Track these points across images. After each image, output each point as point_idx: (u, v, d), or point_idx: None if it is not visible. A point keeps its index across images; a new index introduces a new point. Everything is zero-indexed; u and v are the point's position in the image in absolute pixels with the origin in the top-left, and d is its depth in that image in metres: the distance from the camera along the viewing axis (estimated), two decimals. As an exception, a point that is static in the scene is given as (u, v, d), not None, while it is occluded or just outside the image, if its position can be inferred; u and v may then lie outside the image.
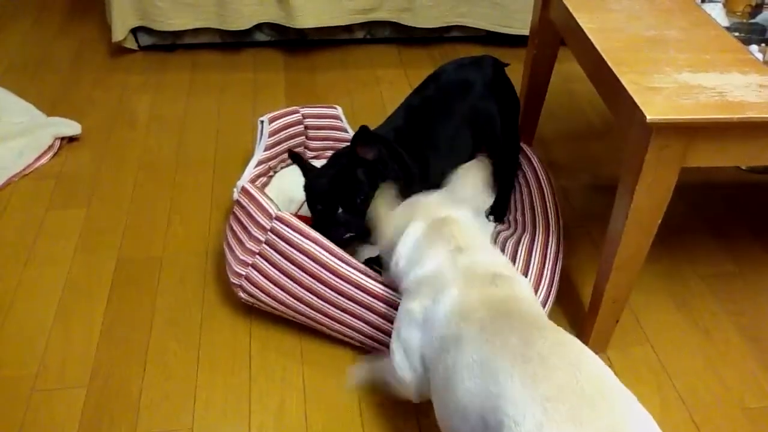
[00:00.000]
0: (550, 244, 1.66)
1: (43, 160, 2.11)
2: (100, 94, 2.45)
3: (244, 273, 1.54)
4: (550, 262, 1.62)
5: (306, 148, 2.04)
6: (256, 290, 1.53)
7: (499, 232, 1.79)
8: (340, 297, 1.47)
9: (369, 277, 1.48)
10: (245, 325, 1.61)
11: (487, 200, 1.63)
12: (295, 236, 1.48)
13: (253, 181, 1.83)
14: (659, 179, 1.25)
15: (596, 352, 1.49)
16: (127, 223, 1.89)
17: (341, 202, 1.56)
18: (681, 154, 1.22)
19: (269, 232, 1.51)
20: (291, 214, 1.63)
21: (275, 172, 1.96)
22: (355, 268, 1.48)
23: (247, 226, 1.57)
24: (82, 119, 2.23)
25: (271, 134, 1.92)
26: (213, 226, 1.87)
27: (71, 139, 2.20)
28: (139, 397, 1.45)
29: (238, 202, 1.62)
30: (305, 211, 1.85)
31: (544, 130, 2.17)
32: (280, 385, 1.49)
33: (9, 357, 1.53)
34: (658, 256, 1.78)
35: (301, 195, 1.71)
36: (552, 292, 1.59)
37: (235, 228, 1.61)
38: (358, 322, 1.49)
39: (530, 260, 1.62)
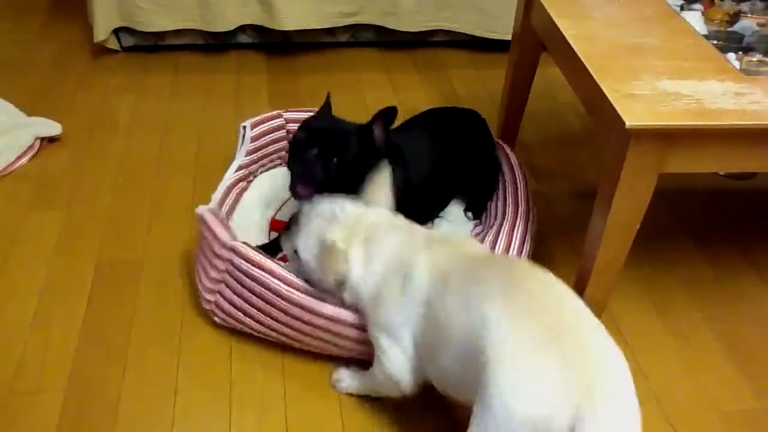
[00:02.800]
0: (517, 227, 1.67)
1: (23, 161, 2.09)
2: (82, 94, 2.43)
3: (213, 299, 1.55)
4: (517, 243, 1.64)
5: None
6: (226, 316, 1.55)
7: (476, 234, 1.80)
8: (298, 321, 1.45)
9: (325, 301, 1.43)
10: (226, 329, 1.60)
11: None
12: (249, 268, 1.46)
13: (233, 185, 1.82)
14: (638, 185, 1.26)
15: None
16: (107, 226, 1.87)
17: (328, 149, 1.52)
18: (659, 160, 1.23)
19: (227, 262, 1.50)
20: (270, 217, 1.62)
21: (255, 177, 1.96)
22: (310, 295, 1.43)
23: (208, 255, 1.55)
24: (63, 120, 2.21)
25: (253, 140, 1.90)
26: (194, 229, 1.86)
27: (51, 140, 2.18)
28: (118, 401, 1.44)
29: (199, 230, 1.60)
30: (282, 215, 1.85)
31: (525, 136, 2.19)
32: (261, 390, 1.48)
33: (-15, 360, 1.51)
34: (638, 261, 1.80)
35: (278, 199, 1.69)
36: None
37: (200, 254, 1.60)
38: (326, 334, 1.46)
39: (496, 242, 1.63)
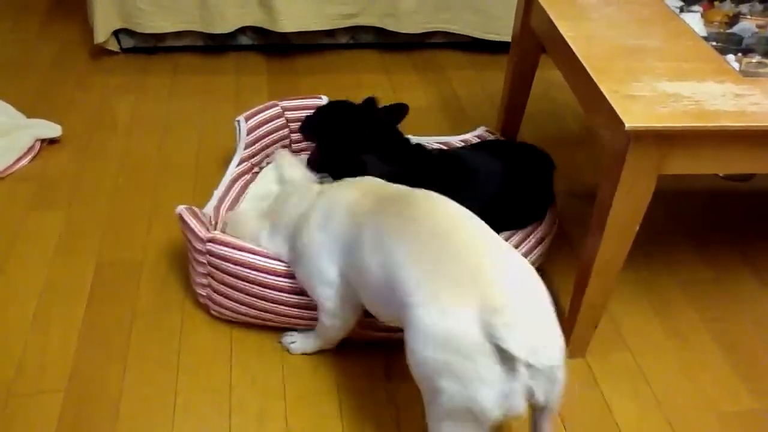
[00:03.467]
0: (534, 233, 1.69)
1: (23, 162, 2.09)
2: (82, 95, 2.43)
3: (205, 293, 1.59)
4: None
5: (291, 141, 2.04)
6: (219, 307, 1.59)
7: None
8: (285, 294, 1.51)
9: None
10: (226, 329, 1.61)
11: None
12: (230, 251, 1.50)
13: (236, 178, 1.86)
14: (637, 186, 1.26)
15: (575, 358, 1.52)
16: (107, 226, 1.88)
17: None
18: (658, 161, 1.24)
19: (207, 255, 1.53)
20: None
21: (261, 168, 1.97)
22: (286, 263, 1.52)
23: (192, 252, 1.58)
24: (63, 121, 2.21)
25: (249, 131, 1.92)
26: (194, 229, 1.86)
27: (51, 141, 2.18)
28: (118, 401, 1.44)
29: (181, 230, 1.62)
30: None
31: (524, 137, 2.19)
32: (261, 390, 1.48)
33: (-15, 361, 1.51)
34: (637, 263, 1.80)
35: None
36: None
37: (188, 253, 1.63)
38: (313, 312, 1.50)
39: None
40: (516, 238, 1.66)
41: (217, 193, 1.78)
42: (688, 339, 1.66)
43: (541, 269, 1.76)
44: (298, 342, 1.54)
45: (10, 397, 1.43)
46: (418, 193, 1.29)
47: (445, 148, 1.89)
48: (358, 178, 1.46)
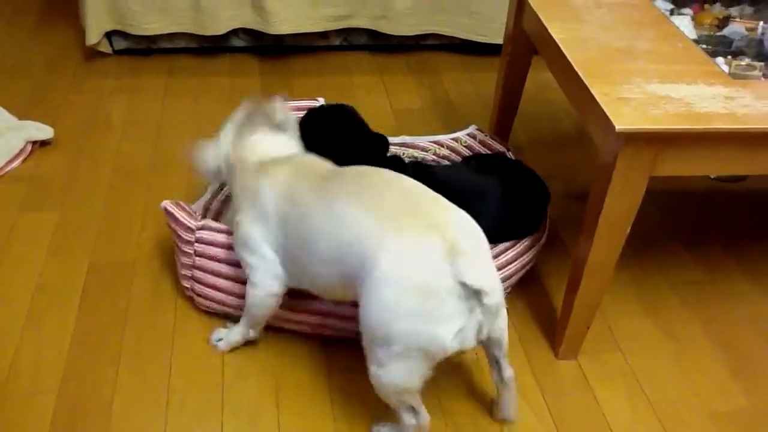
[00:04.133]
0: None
1: (15, 164, 2.09)
2: (74, 97, 2.43)
3: (189, 285, 1.61)
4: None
5: None
6: (206, 300, 1.61)
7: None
8: None
9: None
10: (216, 326, 1.61)
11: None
12: (221, 236, 1.56)
13: None
14: (629, 187, 1.27)
15: (567, 359, 1.53)
16: (100, 228, 1.87)
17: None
18: (649, 163, 1.25)
19: (196, 244, 1.56)
20: None
21: None
22: None
23: (179, 244, 1.60)
24: (56, 123, 2.21)
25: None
26: (187, 231, 1.86)
27: (43, 143, 2.18)
28: (111, 402, 1.44)
29: (167, 224, 1.64)
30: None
31: (518, 138, 2.20)
32: (253, 390, 1.49)
33: (-22, 363, 1.51)
34: (630, 263, 1.81)
35: None
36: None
37: (174, 247, 1.65)
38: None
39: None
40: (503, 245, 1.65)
41: (203, 198, 1.78)
42: (680, 339, 1.67)
43: (532, 271, 1.77)
44: (224, 338, 1.56)
45: (3, 398, 1.43)
46: (357, 168, 1.36)
47: (426, 158, 1.89)
48: (298, 155, 1.49)
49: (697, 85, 1.31)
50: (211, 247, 1.56)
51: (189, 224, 1.57)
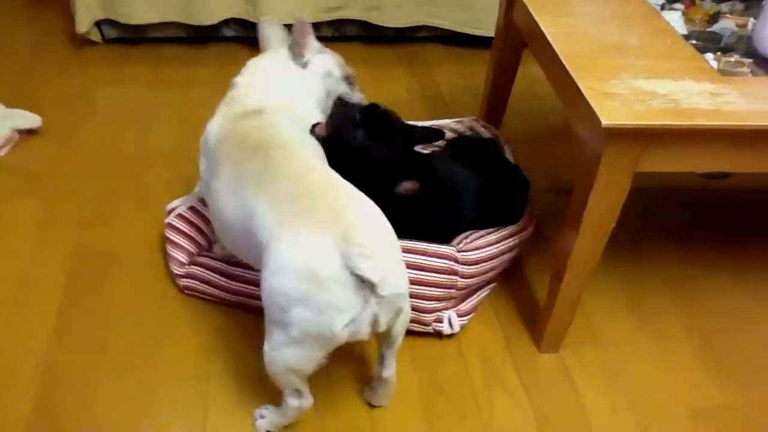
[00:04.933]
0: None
1: (2, 153, 2.07)
2: (62, 85, 2.41)
3: (183, 272, 1.64)
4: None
5: None
6: (200, 284, 1.63)
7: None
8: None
9: None
10: (206, 320, 1.60)
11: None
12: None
13: None
14: (613, 183, 1.27)
15: (549, 353, 1.53)
16: (86, 217, 1.86)
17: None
18: (635, 159, 1.24)
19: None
20: None
21: None
22: None
23: (188, 231, 1.64)
24: (43, 111, 2.19)
25: None
26: (173, 221, 1.85)
27: (30, 132, 2.16)
28: (94, 398, 1.43)
29: (180, 215, 1.69)
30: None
31: (506, 132, 2.19)
32: (239, 385, 1.48)
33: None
34: (614, 259, 1.81)
35: None
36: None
37: (172, 237, 1.68)
38: None
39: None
40: (487, 233, 1.65)
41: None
42: (662, 335, 1.67)
43: (516, 265, 1.77)
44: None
45: (-17, 390, 1.42)
46: (277, 141, 1.34)
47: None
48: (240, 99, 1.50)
49: (685, 81, 1.31)
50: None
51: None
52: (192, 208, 1.71)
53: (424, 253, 1.54)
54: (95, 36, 2.61)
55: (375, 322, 1.16)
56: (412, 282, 1.49)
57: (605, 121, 1.18)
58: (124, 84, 2.44)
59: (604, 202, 1.30)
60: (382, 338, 1.29)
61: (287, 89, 1.52)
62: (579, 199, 1.32)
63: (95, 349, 1.52)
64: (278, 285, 1.16)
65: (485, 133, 1.97)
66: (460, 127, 2.01)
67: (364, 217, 1.21)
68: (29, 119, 2.16)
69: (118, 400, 1.43)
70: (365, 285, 1.12)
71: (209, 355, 1.53)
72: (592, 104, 1.21)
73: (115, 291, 1.66)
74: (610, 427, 1.46)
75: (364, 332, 1.17)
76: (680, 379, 1.57)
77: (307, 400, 1.31)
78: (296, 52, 1.59)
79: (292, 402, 1.31)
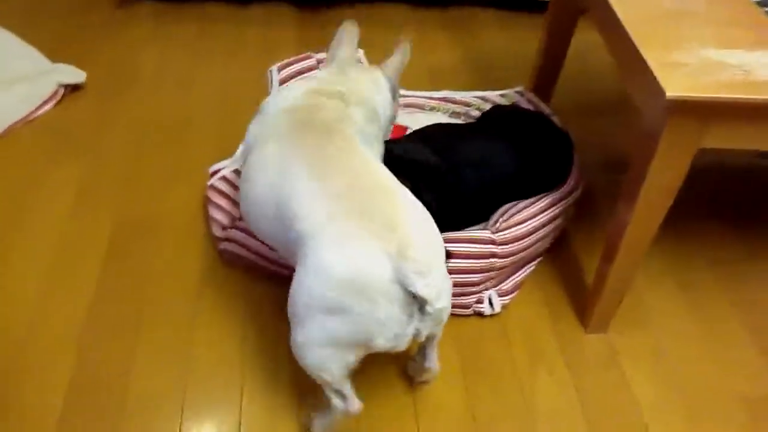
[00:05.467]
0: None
1: (47, 107, 2.07)
2: (106, 44, 2.39)
3: (224, 236, 1.61)
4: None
5: None
6: (241, 249, 1.59)
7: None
8: None
9: None
10: (242, 292, 1.58)
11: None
12: None
13: None
14: (674, 159, 1.20)
15: (597, 333, 1.48)
16: (127, 182, 1.85)
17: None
18: (698, 133, 1.17)
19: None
20: None
21: None
22: None
23: (233, 196, 1.62)
24: (87, 69, 2.18)
25: (282, 82, 1.88)
26: (214, 183, 1.83)
27: (75, 88, 2.16)
28: (131, 366, 1.42)
29: (224, 178, 1.66)
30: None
31: (558, 101, 2.11)
32: (275, 357, 1.45)
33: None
34: (667, 238, 1.74)
35: None
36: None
37: (214, 199, 1.66)
38: None
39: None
40: (526, 206, 1.60)
41: (242, 147, 1.76)
42: (713, 319, 1.60)
43: (564, 242, 1.72)
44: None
45: (21, 358, 1.42)
46: (347, 129, 1.26)
47: None
48: (304, 83, 1.40)
49: (757, 51, 1.22)
50: None
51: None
52: (237, 171, 1.68)
53: (458, 241, 1.49)
54: (140, -7, 2.59)
55: (417, 335, 1.11)
56: (451, 272, 1.46)
57: (670, 93, 1.11)
58: (168, 44, 2.41)
59: (663, 179, 1.23)
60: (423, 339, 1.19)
61: (377, 99, 1.42)
62: (636, 176, 1.26)
63: (133, 318, 1.51)
64: (316, 287, 1.08)
65: (539, 105, 1.90)
66: (504, 102, 1.96)
67: (420, 228, 1.12)
68: (74, 74, 2.16)
69: (154, 370, 1.42)
70: (415, 301, 1.05)
71: (245, 326, 1.51)
72: (657, 74, 1.14)
73: (155, 258, 1.65)
74: (658, 412, 1.41)
75: (404, 345, 1.11)
76: (732, 366, 1.51)
77: (353, 404, 1.19)
78: (394, 89, 1.49)
79: (336, 403, 1.19)
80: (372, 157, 1.24)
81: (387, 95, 1.45)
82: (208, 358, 1.45)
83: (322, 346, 1.12)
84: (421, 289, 1.03)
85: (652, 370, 1.48)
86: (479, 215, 1.60)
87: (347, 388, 1.19)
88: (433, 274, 1.06)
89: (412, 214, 1.14)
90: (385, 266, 1.04)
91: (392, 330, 1.07)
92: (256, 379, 1.41)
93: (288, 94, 1.34)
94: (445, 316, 1.14)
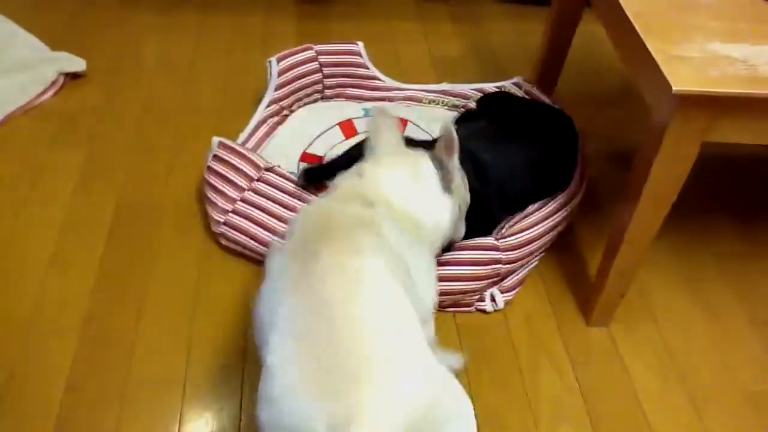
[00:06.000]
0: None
1: (46, 96, 2.06)
2: (107, 31, 2.38)
3: (223, 219, 1.59)
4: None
5: (324, 87, 2.00)
6: (237, 234, 1.58)
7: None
8: None
9: None
10: (243, 276, 1.59)
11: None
12: (286, 183, 1.64)
13: (263, 120, 1.86)
14: (680, 152, 1.20)
15: (599, 327, 1.48)
16: (128, 167, 1.85)
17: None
18: (704, 127, 1.17)
19: (256, 181, 1.62)
20: (302, 151, 1.81)
21: (291, 112, 1.93)
22: None
23: (229, 176, 1.62)
24: (88, 56, 2.16)
25: (281, 73, 1.89)
26: (216, 174, 1.83)
27: (75, 76, 2.15)
28: (133, 345, 1.43)
29: (216, 156, 1.64)
30: (313, 149, 1.82)
31: (562, 93, 2.11)
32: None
33: (4, 297, 1.51)
34: (671, 230, 1.73)
35: (313, 132, 1.81)
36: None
37: (212, 181, 1.64)
38: None
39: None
40: (531, 212, 1.62)
41: (243, 135, 1.76)
42: (717, 313, 1.60)
43: (567, 234, 1.71)
44: None
45: (26, 335, 1.43)
46: (363, 239, 1.04)
47: None
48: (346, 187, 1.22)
49: (764, 45, 1.21)
50: (269, 188, 1.63)
51: (259, 162, 1.64)
52: (230, 149, 1.65)
53: (462, 248, 1.51)
54: (141, -19, 2.56)
55: None
56: (454, 279, 1.48)
57: (676, 87, 1.10)
58: (170, 31, 2.40)
59: (668, 173, 1.22)
60: None
61: (429, 212, 1.24)
62: (640, 169, 1.25)
63: (135, 299, 1.52)
64: (259, 413, 0.92)
65: (537, 95, 1.90)
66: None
67: (381, 401, 0.87)
68: (74, 63, 2.14)
69: (156, 351, 1.43)
70: None
71: (246, 310, 1.52)
72: (663, 68, 1.14)
73: (156, 242, 1.65)
74: (661, 405, 1.41)
75: None
76: (736, 359, 1.51)
77: None
78: (446, 178, 1.28)
79: None
80: (387, 295, 0.98)
81: (446, 199, 1.26)
82: (209, 342, 1.45)
83: None
84: None
85: (655, 363, 1.48)
86: (491, 228, 1.61)
87: None
88: None
89: (382, 381, 0.88)
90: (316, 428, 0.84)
91: None
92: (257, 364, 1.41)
93: (315, 206, 1.19)
94: None
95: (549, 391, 1.41)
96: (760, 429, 1.39)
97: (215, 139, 1.67)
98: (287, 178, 1.66)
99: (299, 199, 1.63)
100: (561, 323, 1.54)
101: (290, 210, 1.60)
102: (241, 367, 1.41)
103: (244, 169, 1.62)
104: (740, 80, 1.13)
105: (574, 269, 1.67)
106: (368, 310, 0.95)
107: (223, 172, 1.63)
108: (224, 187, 1.62)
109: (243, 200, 1.60)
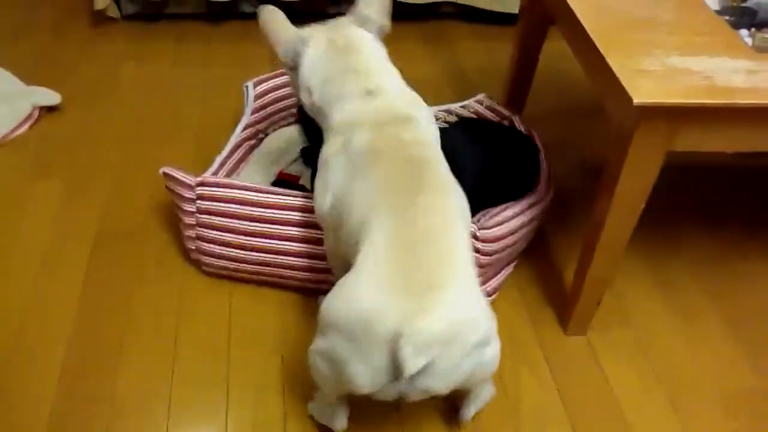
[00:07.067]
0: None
1: (22, 130, 2.07)
2: (81, 63, 2.40)
3: (194, 246, 1.60)
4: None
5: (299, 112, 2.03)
6: (211, 258, 1.60)
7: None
8: (281, 227, 1.54)
9: (296, 197, 1.54)
10: (224, 295, 1.61)
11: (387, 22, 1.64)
12: (220, 191, 1.56)
13: (239, 144, 1.86)
14: (645, 162, 1.24)
15: (577, 334, 1.51)
16: (107, 196, 1.86)
17: None
18: (667, 137, 1.21)
19: (197, 201, 1.57)
20: (278, 171, 1.80)
21: (265, 134, 1.96)
22: (279, 194, 1.55)
23: (181, 204, 1.60)
24: (63, 88, 2.18)
25: (257, 97, 1.91)
26: (195, 200, 1.84)
27: (51, 109, 2.16)
28: (117, 372, 1.44)
29: (166, 187, 1.64)
30: (291, 170, 1.85)
31: (531, 110, 2.16)
32: (258, 350, 1.49)
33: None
34: (643, 238, 1.78)
35: (289, 155, 1.84)
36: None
37: (176, 210, 1.65)
38: (303, 245, 1.54)
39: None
40: (503, 208, 1.62)
41: (219, 159, 1.77)
42: (692, 316, 1.64)
43: (541, 243, 1.75)
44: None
45: (13, 349, 1.43)
46: (433, 180, 1.20)
47: None
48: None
49: (719, 57, 1.27)
50: (213, 204, 1.56)
51: (189, 182, 1.58)
52: (170, 177, 1.62)
53: None
54: (113, 12, 2.59)
55: (404, 398, 1.09)
56: None
57: (637, 100, 1.15)
58: (144, 62, 2.42)
59: (635, 181, 1.27)
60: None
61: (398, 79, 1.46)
62: (609, 179, 1.29)
63: (117, 327, 1.53)
64: (336, 308, 1.10)
65: (491, 117, 1.93)
66: (464, 113, 1.99)
67: (452, 302, 1.05)
68: (49, 96, 2.16)
69: (140, 375, 1.44)
70: (400, 372, 1.01)
71: (229, 325, 1.54)
72: (623, 82, 1.18)
73: (136, 268, 1.66)
74: (640, 408, 1.44)
75: (389, 398, 1.10)
76: (711, 361, 1.54)
77: (336, 424, 1.28)
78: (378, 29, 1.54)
79: (323, 413, 1.29)
80: (458, 219, 1.18)
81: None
82: (194, 354, 1.47)
83: (322, 359, 1.14)
84: (405, 361, 0.99)
85: (632, 368, 1.52)
86: None
87: (338, 411, 1.26)
88: (430, 351, 1.01)
89: (456, 282, 1.08)
90: (387, 326, 1.01)
91: (370, 382, 1.06)
92: (240, 384, 1.42)
93: (364, 138, 1.26)
94: (437, 392, 1.09)
95: (531, 399, 1.44)
96: (739, 428, 1.42)
97: (161, 171, 1.64)
98: (219, 184, 1.58)
99: (243, 204, 1.56)
100: (539, 330, 1.58)
101: (246, 219, 1.55)
102: (225, 386, 1.42)
103: (185, 194, 1.59)
104: (699, 91, 1.18)
105: (550, 278, 1.70)
106: (454, 232, 1.14)
107: (176, 201, 1.63)
108: (182, 215, 1.62)
109: (200, 225, 1.59)
